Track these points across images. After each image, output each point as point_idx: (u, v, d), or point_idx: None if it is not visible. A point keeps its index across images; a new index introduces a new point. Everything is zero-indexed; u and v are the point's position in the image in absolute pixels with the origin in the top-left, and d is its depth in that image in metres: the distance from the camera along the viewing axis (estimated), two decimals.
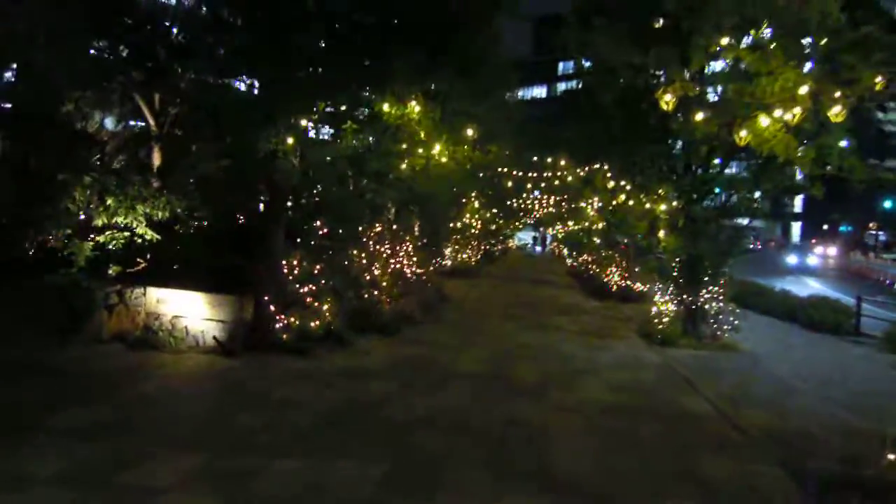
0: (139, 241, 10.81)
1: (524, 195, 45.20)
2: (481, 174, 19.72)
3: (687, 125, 9.73)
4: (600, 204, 24.50)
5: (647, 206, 15.65)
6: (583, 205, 27.17)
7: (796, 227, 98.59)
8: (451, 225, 30.09)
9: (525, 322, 16.44)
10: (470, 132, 13.03)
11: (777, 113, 7.37)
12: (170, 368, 9.26)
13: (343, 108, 10.60)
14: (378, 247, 16.79)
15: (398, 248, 18.01)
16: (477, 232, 35.80)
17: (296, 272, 11.86)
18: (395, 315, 13.88)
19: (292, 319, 11.00)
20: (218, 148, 11.66)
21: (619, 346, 13.97)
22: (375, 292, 13.87)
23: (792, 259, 49.37)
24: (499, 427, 7.73)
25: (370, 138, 11.59)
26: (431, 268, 20.82)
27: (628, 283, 23.55)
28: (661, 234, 14.87)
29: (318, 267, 12.26)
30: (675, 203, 15.14)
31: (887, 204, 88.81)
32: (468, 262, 30.86)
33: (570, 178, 23.93)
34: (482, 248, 39.27)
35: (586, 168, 22.75)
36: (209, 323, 10.41)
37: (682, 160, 14.21)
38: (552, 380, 10.34)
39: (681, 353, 13.47)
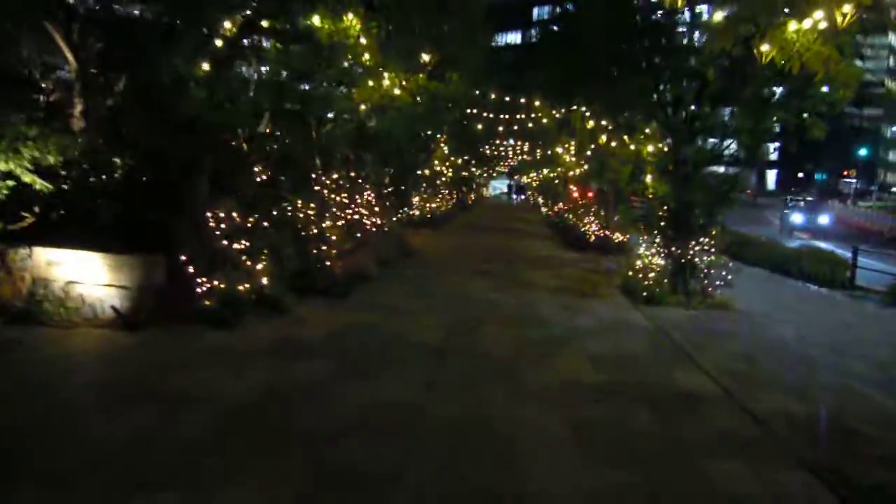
0: (26, 190, 8.85)
1: (497, 141, 43.40)
2: (445, 111, 17.71)
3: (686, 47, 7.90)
4: (578, 148, 22.80)
5: (633, 147, 13.95)
6: (559, 150, 25.42)
7: (771, 176, 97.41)
8: (419, 172, 28.25)
9: (497, 278, 14.77)
10: (425, 57, 11.05)
11: (812, 18, 5.60)
12: (48, 349, 7.39)
13: (264, 23, 8.59)
14: (333, 196, 14.99)
15: (355, 197, 16.21)
16: (447, 179, 33.98)
17: (224, 227, 10.03)
18: (346, 273, 12.12)
19: (217, 283, 9.21)
20: (128, 80, 9.71)
21: (601, 307, 12.37)
22: (324, 248, 12.06)
23: (796, 218, 38.08)
24: (455, 430, 6.03)
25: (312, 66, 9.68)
26: (395, 218, 19.03)
27: (607, 233, 21.98)
28: (649, 178, 13.20)
29: (251, 220, 10.44)
30: (662, 145, 13.46)
31: (862, 152, 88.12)
32: (438, 211, 29.05)
33: (545, 121, 22.19)
34: (454, 196, 37.55)
35: (562, 110, 21.11)
36: (110, 290, 8.56)
37: (673, 92, 12.36)
38: (525, 354, 8.67)
39: (671, 314, 11.93)
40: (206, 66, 8.25)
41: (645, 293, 12.93)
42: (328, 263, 11.97)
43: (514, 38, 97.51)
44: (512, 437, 5.88)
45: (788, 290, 16.72)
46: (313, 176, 14.92)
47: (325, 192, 14.99)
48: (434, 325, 9.79)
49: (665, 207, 13.27)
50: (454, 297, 12.18)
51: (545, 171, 45.02)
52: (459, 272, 15.37)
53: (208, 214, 9.89)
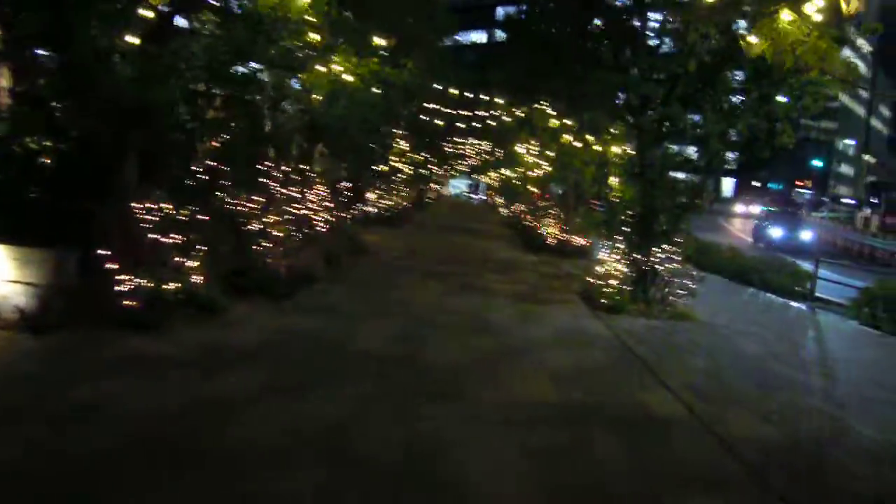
0: None
1: (457, 139, 42.76)
2: (401, 102, 16.81)
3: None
4: (540, 148, 22.25)
5: (598, 148, 13.37)
6: (519, 149, 24.86)
7: (727, 183, 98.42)
8: (375, 168, 27.41)
9: (451, 281, 14.06)
10: (380, 41, 10.26)
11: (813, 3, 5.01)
12: None
13: None
14: (283, 190, 14.14)
15: (305, 191, 15.36)
16: (406, 177, 33.19)
17: (154, 218, 9.14)
18: (292, 272, 11.29)
19: (142, 281, 8.32)
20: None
21: (559, 314, 11.76)
22: (268, 244, 11.20)
23: (774, 232, 32.93)
24: (390, 458, 5.28)
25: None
26: (349, 215, 18.20)
27: (567, 236, 21.45)
28: (614, 181, 12.63)
29: (186, 212, 9.55)
30: (628, 147, 12.92)
31: (817, 163, 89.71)
32: (395, 209, 28.20)
33: (506, 118, 21.62)
34: (413, 194, 36.78)
35: (524, 108, 20.57)
36: (16, 287, 7.62)
37: (642, 90, 11.77)
38: (477, 367, 7.95)
39: (631, 324, 11.38)
40: (133, 40, 7.37)
41: (605, 300, 12.37)
42: (271, 261, 11.13)
43: (479, 37, 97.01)
44: (458, 467, 5.16)
45: (750, 300, 16.37)
46: (261, 168, 14.10)
47: (275, 185, 14.15)
48: (380, 332, 9.03)
49: (629, 212, 12.74)
50: (404, 302, 11.43)
51: (505, 171, 44.58)
52: (412, 274, 14.63)
53: (136, 205, 9.00)
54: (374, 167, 27.04)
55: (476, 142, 43.59)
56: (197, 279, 9.05)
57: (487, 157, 48.91)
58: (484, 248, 21.75)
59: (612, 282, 12.77)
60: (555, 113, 15.48)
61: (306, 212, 14.84)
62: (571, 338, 10.09)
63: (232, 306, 9.22)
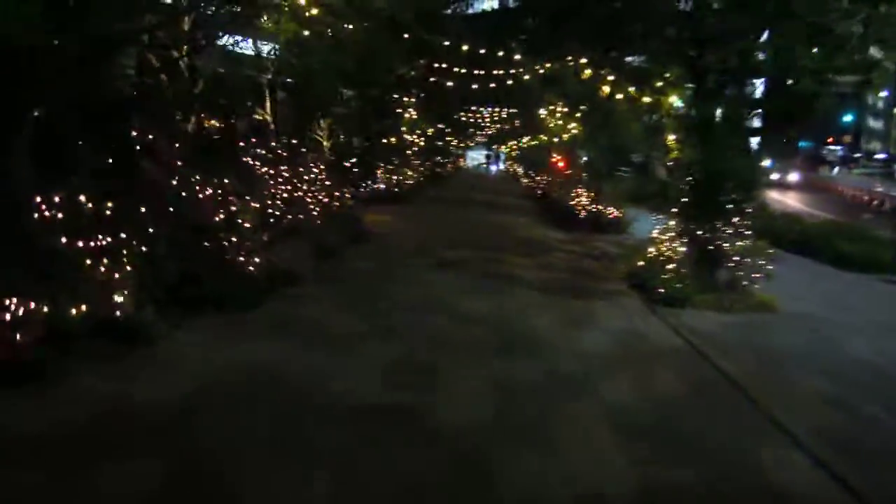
0: None
1: (473, 107, 39.99)
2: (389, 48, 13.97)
3: None
4: (566, 110, 19.57)
5: (647, 99, 10.71)
6: (542, 112, 22.16)
7: (753, 143, 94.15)
8: (384, 140, 24.94)
9: (469, 271, 11.54)
10: None
11: None
12: None
13: None
14: (267, 169, 11.74)
15: (298, 169, 12.93)
16: (418, 149, 30.64)
17: (61, 216, 6.76)
18: (264, 273, 8.83)
19: (35, 305, 5.91)
20: None
21: (609, 312, 9.27)
22: (232, 240, 8.73)
23: None
24: None
25: None
26: (349, 194, 15.71)
27: (599, 207, 18.80)
28: (671, 139, 10.00)
29: (109, 207, 7.13)
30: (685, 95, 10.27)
31: (848, 118, 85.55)
32: (407, 183, 25.65)
33: (526, 77, 18.94)
34: (426, 167, 34.29)
35: (548, 64, 17.90)
36: None
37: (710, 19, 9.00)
38: (508, 419, 5.40)
39: (702, 321, 8.87)
40: None
41: (662, 289, 9.83)
42: (240, 260, 8.68)
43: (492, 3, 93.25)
44: None
45: (830, 278, 13.67)
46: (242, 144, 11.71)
47: (257, 163, 11.72)
48: (371, 363, 6.48)
49: (689, 178, 10.13)
50: (408, 307, 8.84)
51: (525, 139, 41.94)
52: (421, 263, 12.06)
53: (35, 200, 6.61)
54: (382, 140, 24.66)
55: (495, 109, 40.89)
56: (121, 297, 6.62)
57: (506, 126, 46.29)
58: (505, 225, 19.19)
59: (670, 266, 10.22)
60: (587, 63, 12.76)
61: (296, 193, 12.42)
62: (632, 351, 7.57)
63: (171, 332, 6.77)
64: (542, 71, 18.54)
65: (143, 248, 7.24)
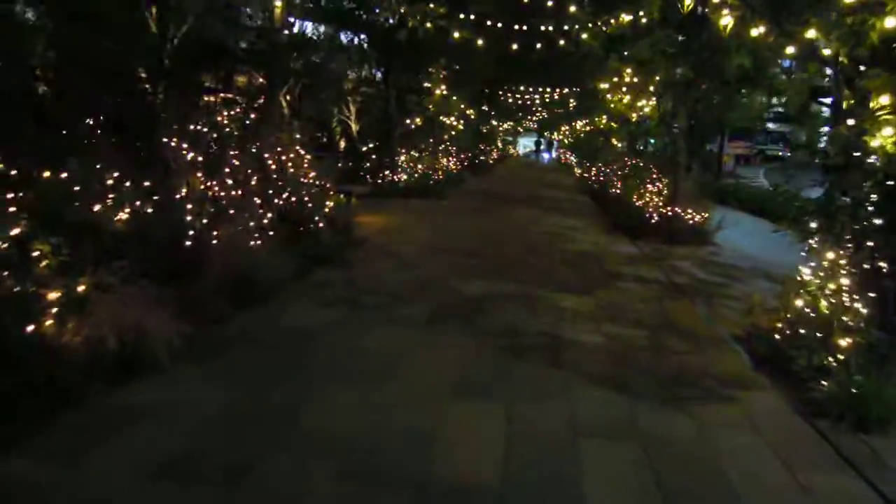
0: None
1: (521, 87, 35.39)
2: None
3: None
4: (636, 79, 14.96)
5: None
6: (604, 86, 17.49)
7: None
8: (409, 122, 20.77)
9: (482, 332, 6.85)
10: None
11: None
12: None
13: None
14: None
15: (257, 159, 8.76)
16: (454, 133, 26.28)
17: None
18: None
19: None
20: None
21: (740, 440, 4.72)
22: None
23: None
24: None
25: None
26: (331, 187, 11.47)
27: (676, 210, 14.06)
28: (888, 134, 5.40)
29: None
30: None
31: None
32: (436, 174, 21.25)
33: (584, 36, 14.47)
34: (466, 156, 30.01)
35: (612, 21, 13.65)
36: None
37: None
38: None
39: None
40: None
41: (828, 385, 5.21)
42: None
43: None
44: None
45: None
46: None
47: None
48: None
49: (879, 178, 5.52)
50: (375, 426, 4.51)
51: (580, 122, 37.30)
52: (410, 314, 7.38)
53: None
54: (407, 121, 20.55)
55: (544, 91, 36.32)
56: None
57: (558, 109, 41.70)
58: (554, 232, 14.61)
59: (843, 340, 5.56)
60: None
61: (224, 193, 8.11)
62: None
63: None
64: (605, 30, 14.03)
65: None
